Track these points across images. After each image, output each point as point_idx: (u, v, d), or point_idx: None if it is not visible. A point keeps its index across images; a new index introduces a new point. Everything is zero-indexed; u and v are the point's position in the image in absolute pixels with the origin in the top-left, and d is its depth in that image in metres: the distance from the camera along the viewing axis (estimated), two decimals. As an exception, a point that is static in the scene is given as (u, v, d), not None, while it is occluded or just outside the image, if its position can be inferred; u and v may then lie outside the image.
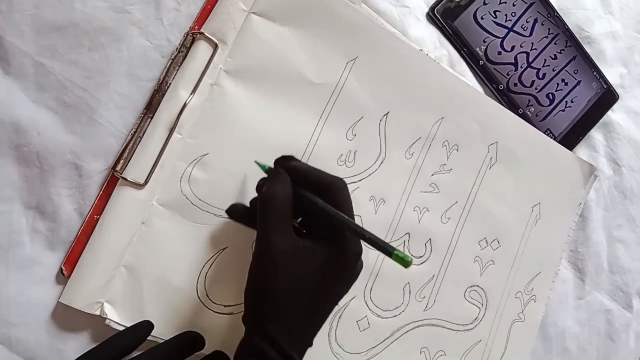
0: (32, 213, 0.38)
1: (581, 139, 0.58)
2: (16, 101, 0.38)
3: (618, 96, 0.59)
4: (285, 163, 0.37)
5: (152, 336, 0.39)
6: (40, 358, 0.38)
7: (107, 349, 0.37)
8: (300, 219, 0.38)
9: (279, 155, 0.37)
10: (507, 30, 0.53)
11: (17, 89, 0.38)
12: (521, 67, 0.54)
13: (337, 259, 0.34)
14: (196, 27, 0.42)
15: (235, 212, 0.39)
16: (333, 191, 0.35)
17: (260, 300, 0.34)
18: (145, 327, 0.39)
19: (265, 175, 0.37)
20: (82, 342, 0.39)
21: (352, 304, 0.46)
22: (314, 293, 0.34)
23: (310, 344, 0.35)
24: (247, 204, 0.39)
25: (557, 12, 0.55)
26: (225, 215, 0.41)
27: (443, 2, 0.51)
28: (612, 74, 0.60)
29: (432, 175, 0.49)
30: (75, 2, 0.39)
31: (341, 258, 0.34)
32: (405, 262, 0.31)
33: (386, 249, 0.32)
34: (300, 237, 0.34)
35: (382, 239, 0.33)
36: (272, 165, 0.38)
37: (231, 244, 0.42)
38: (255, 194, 0.38)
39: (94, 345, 0.37)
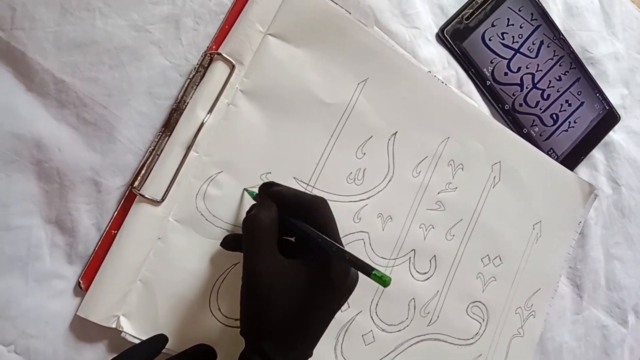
0: (52, 227, 0.39)
1: (583, 159, 0.59)
2: (38, 117, 0.39)
3: (619, 117, 0.61)
4: (269, 189, 0.38)
5: (166, 349, 0.40)
6: (57, 369, 0.39)
7: (123, 361, 0.38)
8: (294, 238, 0.39)
9: (290, 172, 0.39)
10: (513, 52, 0.54)
11: (38, 105, 0.39)
12: (527, 87, 0.55)
13: (323, 277, 0.35)
14: (214, 47, 0.43)
15: (229, 242, 0.41)
16: (313, 211, 0.36)
17: (252, 318, 0.36)
18: (160, 340, 0.40)
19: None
20: (99, 354, 0.40)
21: (358, 319, 0.47)
22: (304, 309, 0.35)
23: (309, 356, 0.37)
24: None
25: (562, 35, 0.56)
26: (238, 231, 0.43)
27: (452, 23, 0.52)
28: (614, 95, 0.61)
29: (438, 193, 0.50)
30: (96, 20, 0.40)
31: (327, 276, 0.35)
32: (383, 282, 0.31)
33: (365, 269, 0.33)
34: (292, 256, 0.36)
35: (360, 259, 0.33)
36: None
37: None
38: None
39: (110, 358, 0.38)
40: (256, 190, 0.41)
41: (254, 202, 0.42)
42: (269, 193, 0.38)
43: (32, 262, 0.38)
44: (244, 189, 0.43)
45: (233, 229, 0.43)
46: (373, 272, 0.32)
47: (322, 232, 0.35)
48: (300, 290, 0.35)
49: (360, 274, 0.34)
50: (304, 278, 0.35)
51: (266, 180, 0.42)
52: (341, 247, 0.35)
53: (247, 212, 0.41)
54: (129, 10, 0.40)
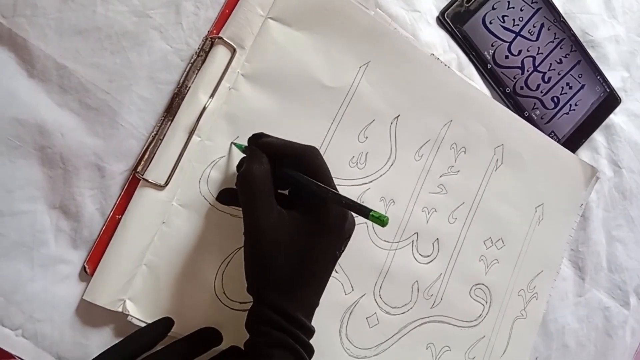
0: (56, 213, 0.39)
1: (584, 142, 0.59)
2: (40, 103, 0.39)
3: (620, 100, 0.61)
4: (258, 140, 0.38)
5: (172, 332, 0.40)
6: (64, 353, 0.39)
7: (130, 344, 0.38)
8: (288, 190, 0.40)
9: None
10: (514, 35, 0.54)
11: (41, 91, 0.39)
12: (527, 70, 0.55)
13: (321, 223, 0.36)
14: (214, 32, 0.43)
15: (224, 196, 0.41)
16: (306, 160, 0.37)
17: (257, 272, 0.36)
18: (166, 323, 0.40)
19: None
20: (105, 338, 0.40)
21: (362, 302, 0.47)
22: (307, 259, 0.36)
23: (316, 305, 0.38)
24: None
25: (563, 18, 0.56)
26: (242, 215, 0.43)
27: (453, 6, 0.52)
28: (615, 78, 0.61)
29: (441, 176, 0.51)
30: (97, 6, 0.40)
31: (325, 222, 0.36)
32: (381, 222, 0.32)
33: (362, 211, 0.33)
34: (287, 207, 0.36)
35: (357, 202, 0.34)
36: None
37: (247, 243, 0.43)
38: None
39: (117, 341, 0.39)
40: (244, 143, 0.40)
41: (243, 155, 0.41)
42: (259, 144, 0.38)
43: (37, 247, 0.39)
44: (232, 143, 0.42)
45: (236, 212, 0.43)
46: (371, 213, 0.32)
47: (316, 180, 0.36)
48: (301, 240, 0.35)
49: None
50: (304, 227, 0.36)
51: (237, 143, 0.42)
52: (336, 192, 0.35)
53: (238, 167, 0.40)
54: (129, -4, 0.40)
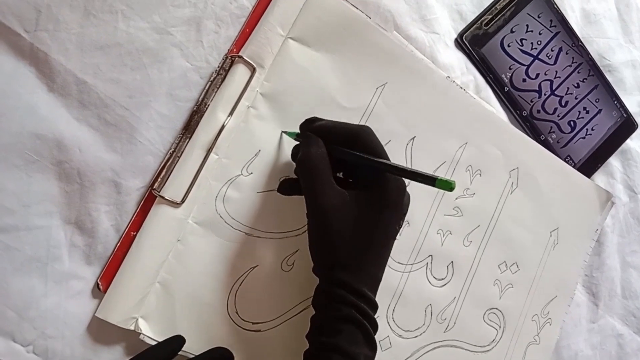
0: (71, 228, 0.39)
1: (600, 166, 0.59)
2: (59, 118, 0.39)
3: (637, 125, 0.61)
4: (311, 125, 0.39)
5: (183, 351, 0.40)
6: (75, 370, 0.39)
7: (141, 362, 0.38)
8: (342, 172, 0.40)
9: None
10: (532, 58, 0.54)
11: (60, 105, 0.39)
12: (545, 94, 0.55)
13: (382, 199, 0.37)
14: (234, 50, 0.43)
15: (286, 187, 0.42)
16: (362, 139, 0.37)
17: (322, 251, 0.37)
18: (178, 341, 0.40)
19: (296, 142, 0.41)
20: (116, 356, 0.40)
21: (375, 324, 0.47)
22: (369, 234, 0.37)
23: (379, 279, 0.38)
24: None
25: (581, 42, 0.56)
26: (257, 234, 0.43)
27: (471, 29, 0.52)
28: (631, 102, 0.61)
29: (456, 199, 0.50)
30: (119, 23, 0.40)
31: (385, 198, 0.37)
32: (449, 186, 0.32)
33: (429, 179, 0.33)
34: (345, 187, 0.37)
35: (420, 170, 0.35)
36: (297, 131, 0.41)
37: (261, 262, 0.43)
38: None
39: (128, 359, 0.38)
40: (295, 130, 0.41)
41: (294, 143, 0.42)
42: (312, 129, 0.39)
43: (51, 262, 0.38)
44: (282, 132, 0.43)
45: (251, 232, 0.43)
46: (437, 179, 0.33)
47: (374, 157, 0.37)
48: (363, 217, 0.36)
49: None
50: (365, 205, 0.36)
51: (288, 131, 0.43)
52: (399, 164, 0.36)
53: (293, 153, 0.41)
54: (151, 13, 0.40)
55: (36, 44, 0.38)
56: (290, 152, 0.42)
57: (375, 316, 0.46)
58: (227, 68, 0.42)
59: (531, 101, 0.54)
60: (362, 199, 0.37)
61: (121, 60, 0.40)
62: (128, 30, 0.40)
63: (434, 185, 0.33)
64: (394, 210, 0.37)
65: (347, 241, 0.36)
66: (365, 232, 0.36)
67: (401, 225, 0.39)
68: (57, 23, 0.38)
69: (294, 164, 0.41)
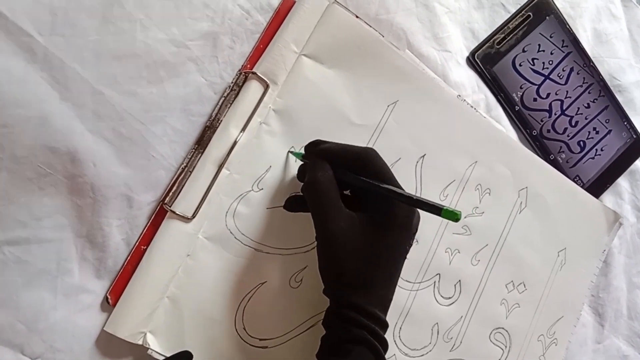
0: (82, 242, 0.39)
1: (609, 187, 0.59)
2: (73, 130, 0.38)
3: (646, 146, 0.61)
4: (316, 148, 0.39)
5: (191, 367, 0.40)
6: (83, 384, 0.39)
7: (149, 378, 0.38)
8: (348, 190, 0.40)
9: None
10: (543, 78, 0.54)
11: (74, 116, 0.38)
12: (555, 114, 0.55)
13: (391, 219, 0.37)
14: (248, 66, 0.43)
15: (292, 204, 0.42)
16: (367, 162, 0.37)
17: (332, 274, 0.37)
18: (185, 357, 0.39)
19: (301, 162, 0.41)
20: (123, 371, 0.40)
21: (381, 342, 0.47)
22: (378, 256, 0.36)
23: (390, 299, 0.38)
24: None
25: (592, 62, 0.56)
26: (266, 250, 0.43)
27: (483, 47, 0.52)
28: (641, 123, 0.61)
29: (465, 217, 0.50)
30: (137, 32, 0.39)
31: (393, 219, 0.37)
32: (455, 217, 0.32)
33: (435, 208, 0.33)
34: (352, 208, 0.37)
35: (427, 199, 0.34)
36: (303, 152, 0.41)
37: (270, 279, 0.43)
38: None
39: (136, 374, 0.38)
40: (300, 151, 0.41)
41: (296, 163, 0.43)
42: (318, 152, 0.39)
43: (62, 275, 0.38)
44: (288, 151, 0.43)
45: (260, 248, 0.43)
46: (443, 209, 0.32)
47: (380, 180, 0.36)
48: (372, 240, 0.36)
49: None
50: (374, 227, 0.36)
51: (294, 152, 0.44)
52: (404, 191, 0.36)
53: (299, 173, 0.42)
54: (170, 25, 0.40)
55: (51, 49, 0.36)
56: (297, 170, 0.42)
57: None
58: (240, 84, 0.42)
59: (541, 120, 0.55)
60: (371, 219, 0.37)
61: (139, 73, 0.40)
62: (146, 41, 0.40)
63: (440, 215, 0.33)
64: (403, 230, 0.37)
65: (357, 263, 0.36)
66: (375, 253, 0.36)
67: (411, 245, 0.39)
68: (74, 28, 0.37)
69: (300, 182, 0.41)
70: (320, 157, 0.38)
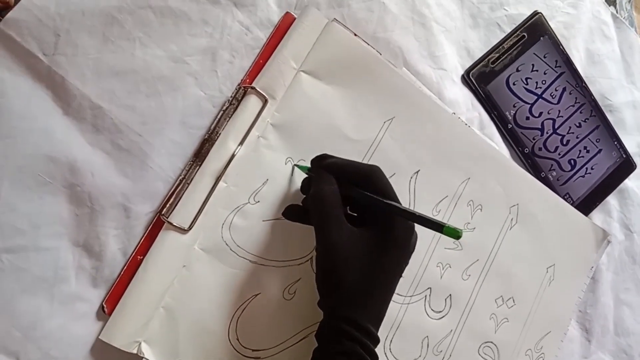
0: (79, 251, 0.40)
1: (598, 204, 0.60)
2: (73, 142, 0.39)
3: (636, 166, 0.62)
4: (323, 162, 0.40)
5: (184, 376, 0.40)
6: (77, 392, 0.39)
7: (142, 388, 0.38)
8: (349, 207, 0.41)
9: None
10: (536, 97, 0.55)
11: (74, 129, 0.39)
12: (547, 132, 0.56)
13: (390, 239, 0.37)
14: (247, 81, 0.44)
15: (291, 212, 0.42)
16: (372, 179, 0.38)
17: (329, 287, 0.38)
18: (178, 367, 0.40)
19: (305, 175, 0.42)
20: (117, 379, 0.40)
21: (372, 354, 0.47)
22: (375, 272, 0.37)
23: (383, 315, 0.39)
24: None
25: (584, 83, 0.57)
26: (261, 262, 0.43)
27: (478, 66, 0.53)
28: (630, 142, 0.62)
29: (457, 233, 0.51)
30: (136, 50, 0.41)
31: (393, 238, 0.38)
32: (456, 234, 0.33)
33: (437, 225, 0.34)
34: (353, 224, 0.38)
35: (429, 216, 0.36)
36: (309, 165, 0.42)
37: (264, 290, 0.44)
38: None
39: (129, 383, 0.39)
40: (306, 164, 0.42)
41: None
42: (324, 166, 0.40)
43: (58, 284, 0.39)
44: (294, 165, 0.44)
45: (255, 260, 0.43)
46: (445, 227, 0.33)
47: (383, 197, 0.37)
48: (371, 256, 0.37)
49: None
50: (373, 243, 0.37)
51: (300, 165, 0.44)
52: (407, 208, 0.37)
53: (302, 186, 0.42)
54: (168, 42, 0.41)
55: (54, 67, 0.39)
56: (300, 184, 0.43)
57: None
58: (239, 98, 0.43)
59: (533, 139, 0.56)
60: (372, 237, 0.37)
61: (137, 87, 0.41)
62: (144, 57, 0.41)
63: (441, 232, 0.34)
64: (402, 249, 0.38)
65: (354, 278, 0.37)
66: (372, 270, 0.37)
67: (407, 263, 0.40)
68: (75, 47, 0.39)
69: (302, 194, 0.42)
70: (326, 170, 0.39)
